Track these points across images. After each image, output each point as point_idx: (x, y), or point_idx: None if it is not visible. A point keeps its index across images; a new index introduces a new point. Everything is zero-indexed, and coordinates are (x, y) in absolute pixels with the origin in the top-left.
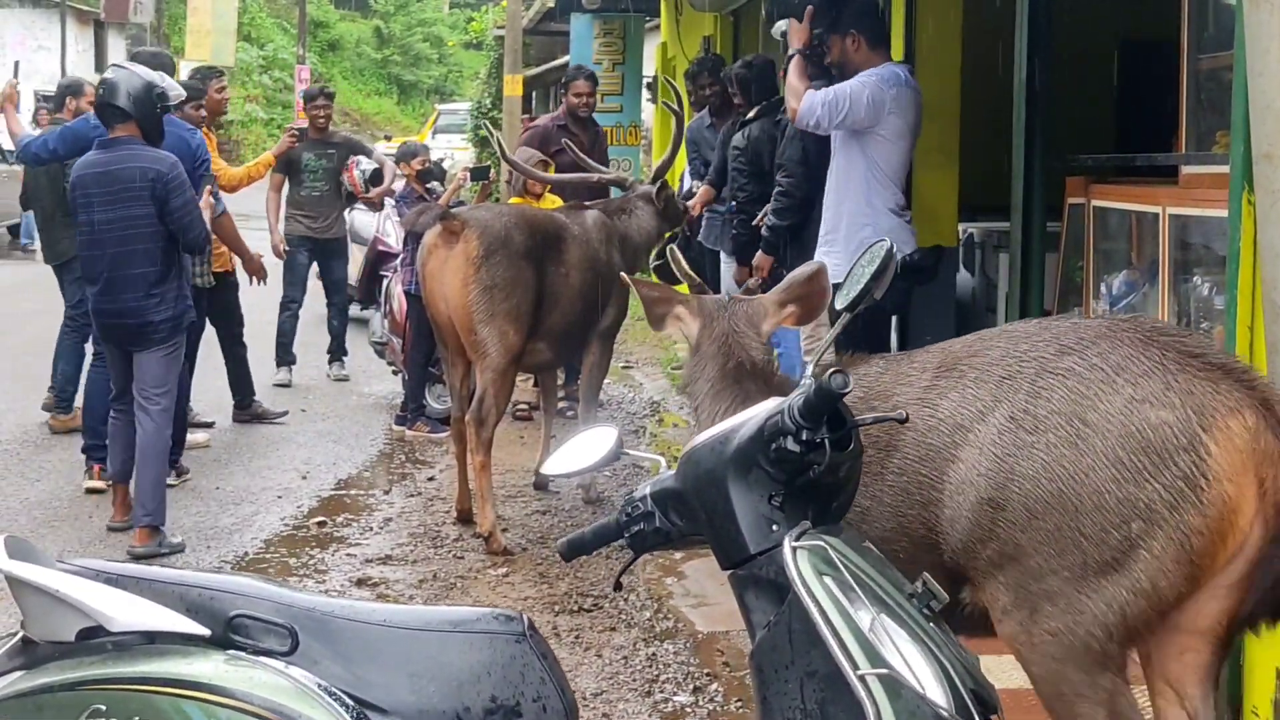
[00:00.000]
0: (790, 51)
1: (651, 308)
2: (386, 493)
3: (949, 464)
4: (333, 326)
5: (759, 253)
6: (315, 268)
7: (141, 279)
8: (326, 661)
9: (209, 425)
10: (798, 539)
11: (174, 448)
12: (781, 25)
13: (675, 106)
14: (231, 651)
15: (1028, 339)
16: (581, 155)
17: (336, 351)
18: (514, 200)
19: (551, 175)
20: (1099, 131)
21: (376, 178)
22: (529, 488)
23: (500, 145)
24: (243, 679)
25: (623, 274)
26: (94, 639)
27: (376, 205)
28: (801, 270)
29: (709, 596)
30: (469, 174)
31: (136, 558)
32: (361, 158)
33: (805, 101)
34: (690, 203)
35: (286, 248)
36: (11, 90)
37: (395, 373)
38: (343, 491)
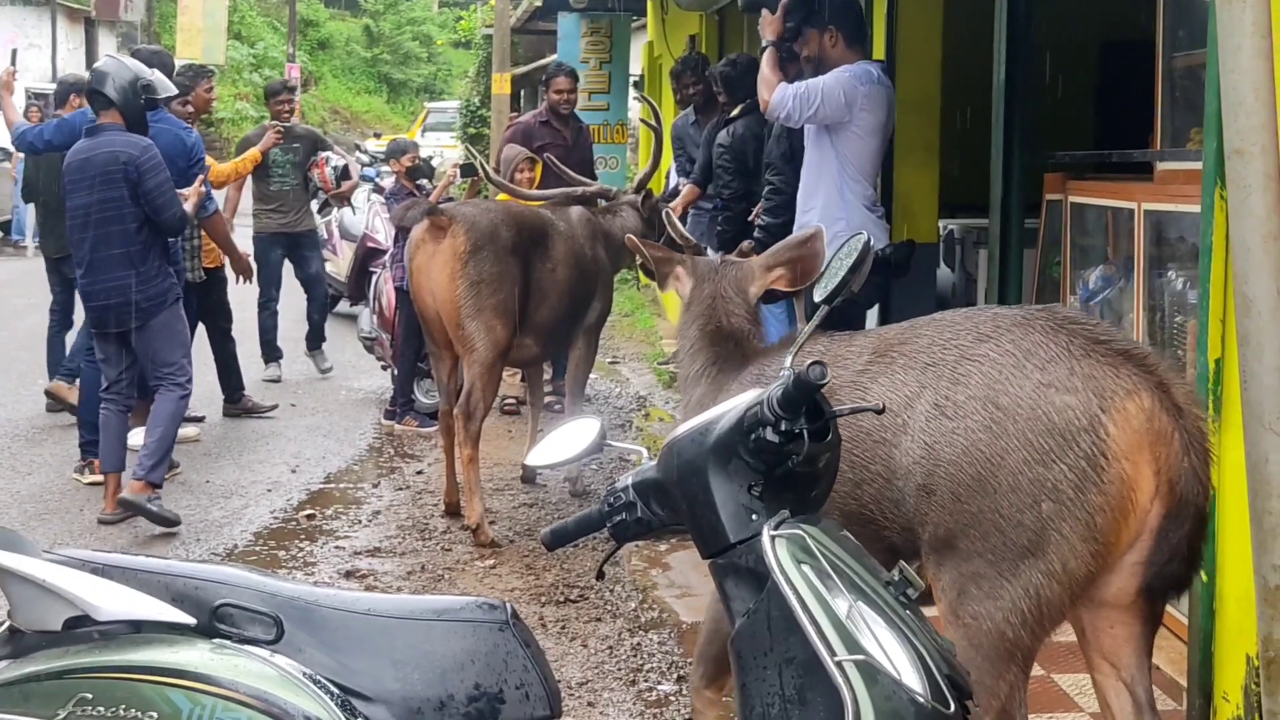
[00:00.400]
0: (764, 43)
1: (658, 268)
2: (375, 486)
3: (879, 446)
4: (313, 321)
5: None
6: (288, 264)
7: (120, 259)
8: (311, 650)
9: (199, 420)
10: (776, 528)
11: None
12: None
13: (654, 124)
14: (217, 640)
15: (952, 327)
16: (565, 169)
17: (314, 339)
18: (501, 197)
19: (534, 191)
20: (1080, 130)
21: (346, 173)
22: (516, 481)
23: (484, 169)
24: (228, 667)
25: (629, 236)
26: (80, 628)
27: (345, 201)
28: (798, 234)
29: (693, 587)
30: (459, 170)
31: (123, 503)
32: (331, 154)
33: (777, 93)
34: (673, 203)
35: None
36: (9, 78)
37: (384, 368)
38: (332, 485)
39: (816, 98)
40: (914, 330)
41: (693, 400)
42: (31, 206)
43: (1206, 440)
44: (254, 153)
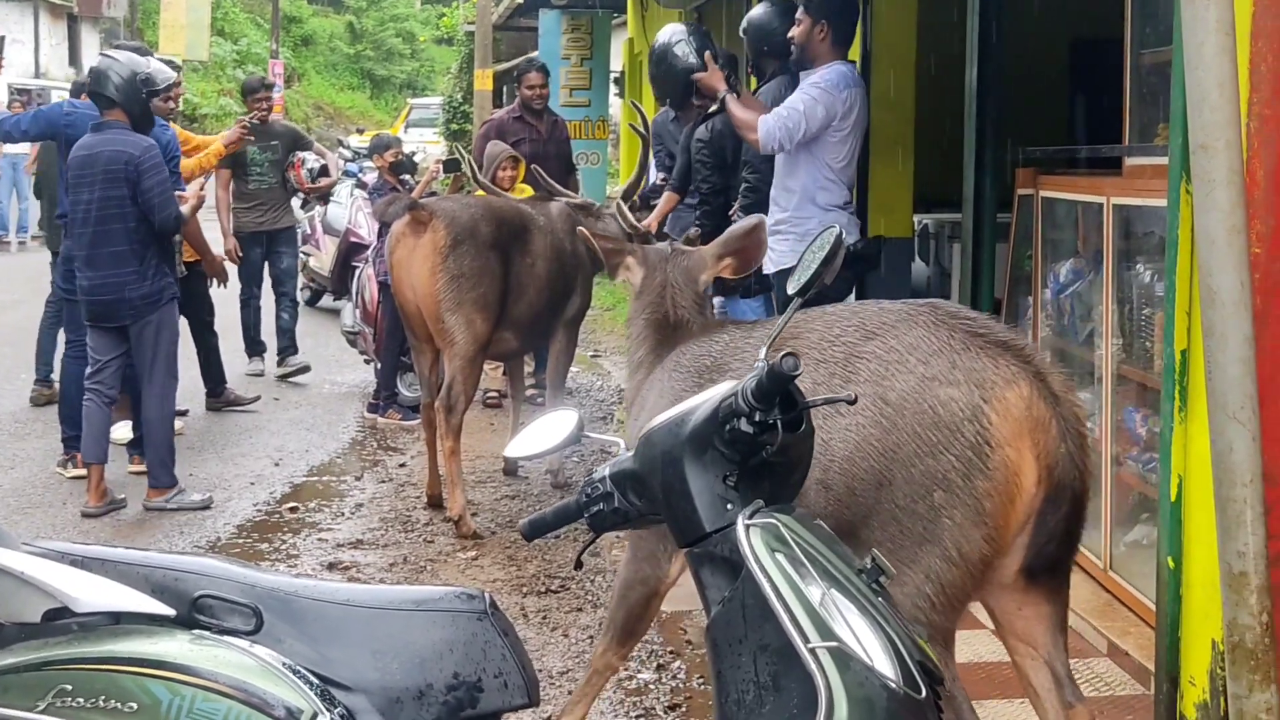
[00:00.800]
0: (719, 96)
1: (608, 259)
2: (358, 479)
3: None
4: (282, 321)
5: None
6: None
7: (117, 256)
8: (291, 640)
9: (183, 413)
10: (751, 517)
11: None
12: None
13: (641, 129)
14: (197, 631)
15: (840, 323)
16: (549, 180)
17: (286, 350)
18: (479, 193)
19: (518, 197)
20: (1053, 126)
21: (324, 172)
22: (498, 473)
23: (473, 169)
24: (208, 658)
25: (580, 228)
26: (60, 620)
27: (322, 198)
28: (741, 224)
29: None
30: (442, 166)
31: (149, 509)
32: (308, 155)
33: (762, 131)
34: (647, 221)
35: (240, 253)
36: None
37: (367, 361)
38: (315, 478)
39: (800, 121)
40: (806, 325)
41: (632, 387)
42: (16, 200)
43: (1082, 426)
44: (217, 146)
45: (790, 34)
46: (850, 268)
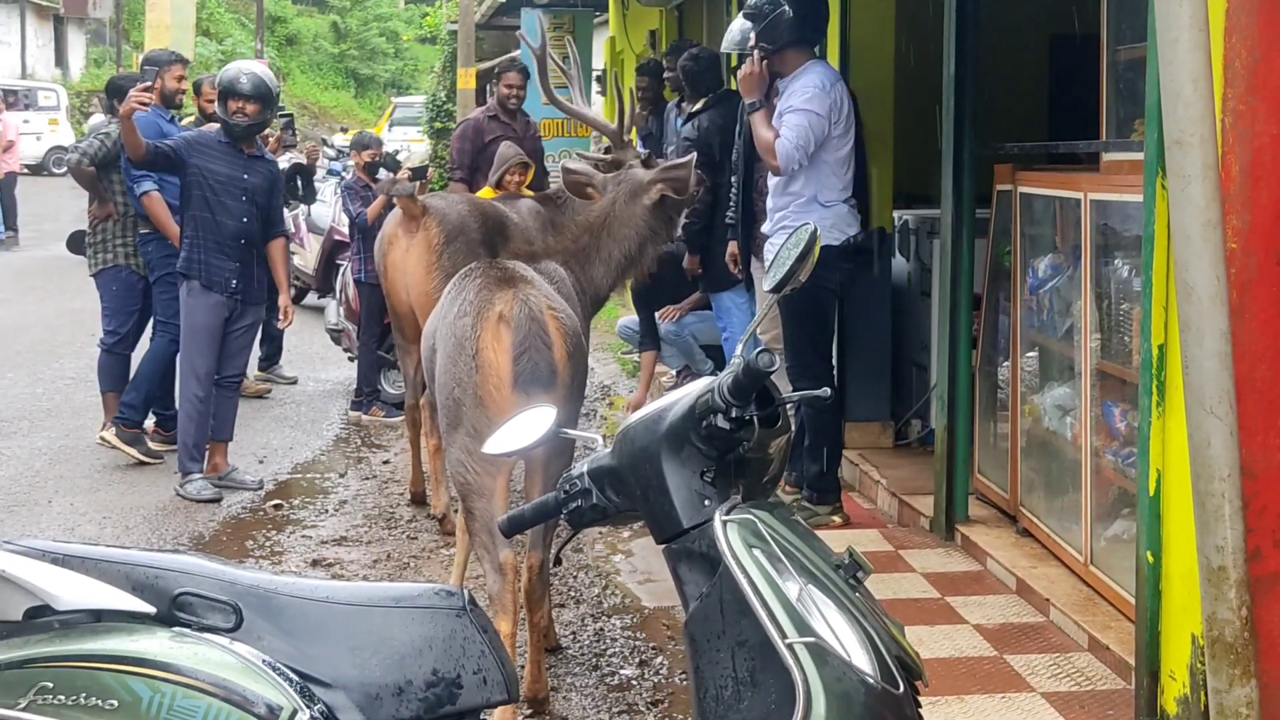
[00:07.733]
0: (749, 103)
1: (579, 190)
2: (342, 476)
3: (433, 353)
4: (271, 328)
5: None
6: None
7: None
8: (270, 637)
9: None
10: (728, 513)
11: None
12: (735, 34)
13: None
14: (177, 629)
15: (456, 279)
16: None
17: (273, 357)
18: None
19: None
20: (1033, 122)
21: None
22: None
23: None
24: (188, 655)
25: (562, 164)
26: (41, 618)
27: (297, 188)
28: (678, 160)
29: (655, 573)
30: (410, 174)
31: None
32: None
33: (780, 154)
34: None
35: None
36: None
37: (351, 359)
38: (299, 475)
39: (807, 134)
40: (459, 281)
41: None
42: None
43: (548, 330)
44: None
45: (745, 72)
46: (851, 260)
